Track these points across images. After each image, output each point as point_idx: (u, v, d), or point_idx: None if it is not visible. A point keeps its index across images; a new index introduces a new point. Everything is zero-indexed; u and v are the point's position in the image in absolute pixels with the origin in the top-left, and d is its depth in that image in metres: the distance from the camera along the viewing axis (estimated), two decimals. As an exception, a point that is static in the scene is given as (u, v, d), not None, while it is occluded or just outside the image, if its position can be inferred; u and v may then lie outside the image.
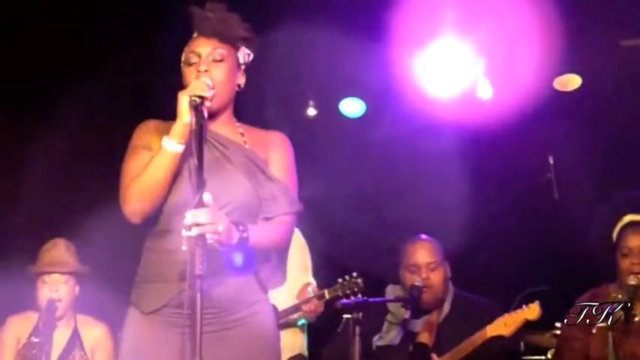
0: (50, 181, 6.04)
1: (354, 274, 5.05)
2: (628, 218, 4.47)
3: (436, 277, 4.89)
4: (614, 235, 4.47)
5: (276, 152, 3.27)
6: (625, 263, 4.37)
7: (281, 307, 4.98)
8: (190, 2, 3.27)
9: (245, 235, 2.99)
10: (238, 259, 3.05)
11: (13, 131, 6.12)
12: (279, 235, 3.20)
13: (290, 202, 3.21)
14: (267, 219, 3.18)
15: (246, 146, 3.24)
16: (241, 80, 3.28)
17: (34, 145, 6.06)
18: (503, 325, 4.68)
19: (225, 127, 3.25)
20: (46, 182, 5.99)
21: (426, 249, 4.96)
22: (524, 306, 4.70)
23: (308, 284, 5.25)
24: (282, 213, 3.19)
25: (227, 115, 3.27)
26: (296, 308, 5.14)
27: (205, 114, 3.03)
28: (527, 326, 4.70)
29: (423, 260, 4.91)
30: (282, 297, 5.00)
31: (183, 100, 3.02)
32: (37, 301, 4.91)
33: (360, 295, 4.86)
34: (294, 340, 5.26)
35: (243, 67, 3.29)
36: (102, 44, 5.67)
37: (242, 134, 3.27)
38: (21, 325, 4.91)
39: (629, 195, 4.58)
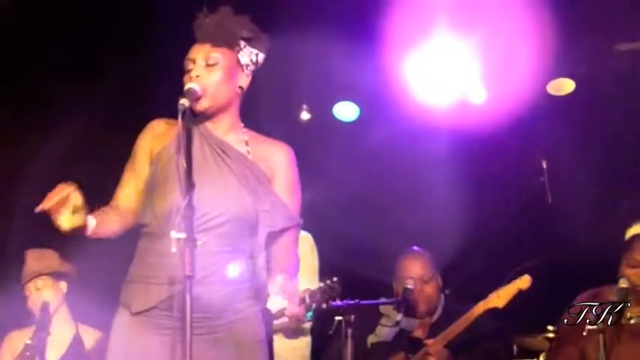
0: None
1: (334, 278, 4.93)
2: (637, 228, 4.36)
3: (430, 289, 4.99)
4: (626, 237, 4.37)
5: (281, 169, 3.26)
6: (631, 273, 4.26)
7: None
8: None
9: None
10: (232, 270, 3.08)
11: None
12: (297, 261, 3.39)
13: (287, 217, 3.23)
14: (271, 232, 3.20)
15: (249, 157, 3.23)
16: (243, 81, 3.25)
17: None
18: (497, 298, 4.72)
19: (229, 134, 3.24)
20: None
21: (419, 262, 5.03)
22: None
23: (306, 290, 5.11)
24: (280, 227, 3.21)
25: (230, 120, 3.26)
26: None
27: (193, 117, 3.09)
28: (519, 329, 4.70)
29: (417, 273, 4.96)
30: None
31: None
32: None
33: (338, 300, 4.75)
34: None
35: (249, 67, 3.27)
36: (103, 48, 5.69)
37: (246, 143, 3.25)
38: (20, 341, 4.90)
39: None
